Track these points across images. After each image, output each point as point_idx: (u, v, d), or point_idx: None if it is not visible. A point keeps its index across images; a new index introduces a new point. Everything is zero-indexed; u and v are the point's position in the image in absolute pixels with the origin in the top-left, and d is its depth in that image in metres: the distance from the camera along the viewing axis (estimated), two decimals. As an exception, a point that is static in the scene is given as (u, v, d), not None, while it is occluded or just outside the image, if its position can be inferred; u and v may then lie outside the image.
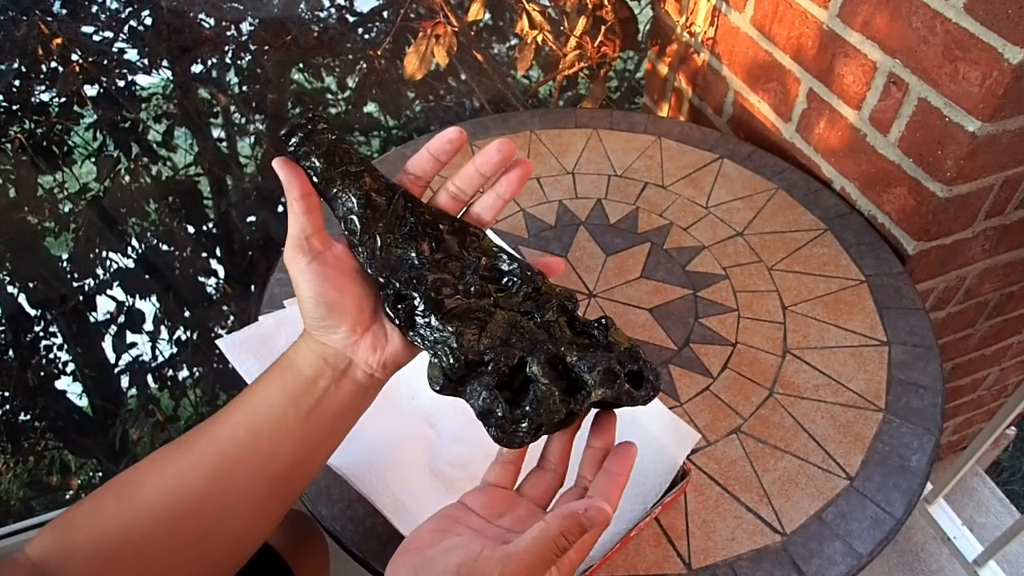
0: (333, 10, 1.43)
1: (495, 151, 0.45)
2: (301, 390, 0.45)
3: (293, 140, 0.45)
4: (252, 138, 1.55)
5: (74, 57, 1.23)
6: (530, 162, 0.49)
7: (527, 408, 0.42)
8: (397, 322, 0.45)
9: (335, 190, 0.46)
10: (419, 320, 0.45)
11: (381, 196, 0.46)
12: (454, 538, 0.41)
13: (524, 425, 0.42)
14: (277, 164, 0.45)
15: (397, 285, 0.45)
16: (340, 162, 0.46)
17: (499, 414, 0.42)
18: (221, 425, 0.46)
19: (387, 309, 0.46)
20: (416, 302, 0.45)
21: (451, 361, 0.43)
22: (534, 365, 0.44)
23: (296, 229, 0.45)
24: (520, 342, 0.44)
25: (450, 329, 0.44)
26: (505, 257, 0.48)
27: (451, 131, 0.45)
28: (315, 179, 0.46)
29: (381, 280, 0.46)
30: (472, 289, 0.46)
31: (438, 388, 0.44)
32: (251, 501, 0.46)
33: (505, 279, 0.47)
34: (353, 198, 0.45)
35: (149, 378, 1.60)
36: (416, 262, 0.46)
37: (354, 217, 0.45)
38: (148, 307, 1.54)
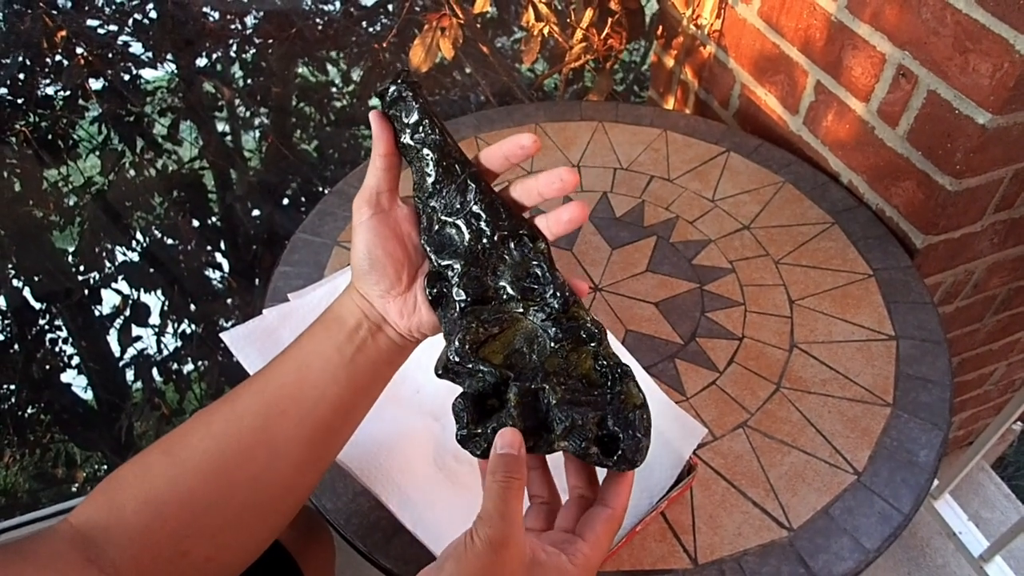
0: (338, 3, 1.43)
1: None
2: (344, 339, 0.47)
3: (391, 91, 0.47)
4: (257, 132, 1.55)
5: (79, 50, 1.23)
6: (585, 209, 0.48)
7: (488, 431, 0.43)
8: (428, 297, 0.47)
9: (416, 152, 0.48)
10: (446, 303, 0.47)
11: (454, 168, 0.48)
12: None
13: (479, 442, 0.43)
14: (373, 117, 0.47)
15: (438, 264, 0.47)
16: (427, 127, 0.47)
17: (463, 421, 0.44)
18: (267, 378, 0.47)
19: (424, 282, 0.48)
20: (449, 286, 0.47)
21: (452, 356, 0.44)
22: (512, 392, 0.44)
23: (372, 182, 0.47)
24: (531, 356, 0.45)
25: (464, 323, 0.45)
26: (546, 268, 0.47)
27: (525, 137, 0.46)
28: (401, 138, 0.48)
29: (427, 251, 0.48)
30: (505, 288, 0.47)
31: (437, 373, 0.46)
32: (299, 447, 0.47)
33: (539, 289, 0.47)
34: (431, 163, 0.47)
35: (154, 371, 1.60)
36: (462, 247, 0.47)
37: (427, 182, 0.48)
38: (153, 301, 1.54)
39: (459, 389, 0.45)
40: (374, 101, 1.59)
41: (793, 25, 0.95)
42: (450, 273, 0.47)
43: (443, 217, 0.48)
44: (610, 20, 1.17)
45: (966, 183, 0.80)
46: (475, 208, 0.47)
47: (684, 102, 1.25)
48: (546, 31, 1.15)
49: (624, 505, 0.43)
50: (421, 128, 0.47)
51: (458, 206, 0.47)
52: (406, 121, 0.47)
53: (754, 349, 0.77)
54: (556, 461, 0.47)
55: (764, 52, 1.02)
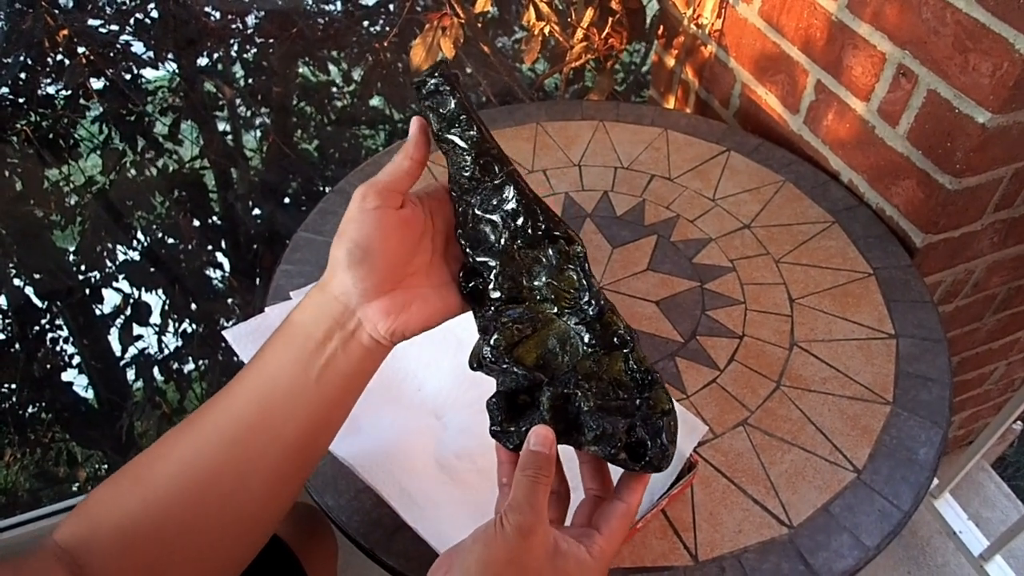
0: (339, 3, 1.43)
1: None
2: (310, 354, 0.45)
3: (429, 84, 0.46)
4: (258, 131, 1.55)
5: (80, 50, 1.23)
6: None
7: (521, 429, 0.45)
8: (464, 292, 0.48)
9: (452, 147, 0.47)
10: (481, 299, 0.47)
11: (491, 166, 0.47)
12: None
13: (513, 438, 0.45)
14: (415, 124, 0.47)
15: (474, 260, 0.47)
16: (464, 123, 0.46)
17: (497, 418, 0.46)
18: (230, 398, 0.46)
19: (460, 278, 0.48)
20: (484, 283, 0.47)
21: (487, 354, 0.45)
22: (545, 396, 0.45)
23: (390, 179, 0.46)
24: (563, 358, 0.46)
25: (499, 322, 0.45)
26: (582, 274, 0.47)
27: None
28: (438, 132, 0.47)
29: (463, 246, 0.48)
30: (540, 289, 0.47)
31: (472, 366, 0.47)
32: (268, 469, 0.45)
33: (574, 294, 0.47)
34: (468, 159, 0.47)
35: (155, 370, 1.60)
36: (497, 245, 0.47)
37: (464, 176, 0.47)
38: (154, 300, 1.55)
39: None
40: (375, 101, 1.59)
41: (794, 25, 0.95)
42: (485, 271, 0.47)
43: (479, 213, 0.47)
44: (611, 20, 1.17)
45: (966, 182, 0.81)
46: (512, 207, 0.47)
47: (685, 101, 1.25)
48: (547, 30, 1.15)
49: (638, 502, 0.44)
50: (458, 123, 0.46)
51: (495, 203, 0.47)
52: (443, 114, 0.46)
53: (754, 347, 0.77)
54: (568, 452, 0.47)
55: (765, 52, 1.02)
